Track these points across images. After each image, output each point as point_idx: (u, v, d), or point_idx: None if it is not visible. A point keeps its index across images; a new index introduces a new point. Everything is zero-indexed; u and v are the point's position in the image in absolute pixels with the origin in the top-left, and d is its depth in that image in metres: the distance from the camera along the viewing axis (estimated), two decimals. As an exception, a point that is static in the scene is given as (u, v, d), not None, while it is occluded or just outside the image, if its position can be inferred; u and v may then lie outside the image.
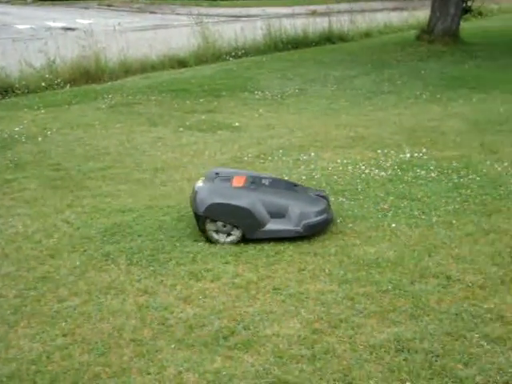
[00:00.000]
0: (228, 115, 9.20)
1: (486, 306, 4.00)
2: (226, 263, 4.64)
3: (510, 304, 4.02)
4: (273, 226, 4.97)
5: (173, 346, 3.68)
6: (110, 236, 5.12)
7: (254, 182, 5.22)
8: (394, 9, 25.72)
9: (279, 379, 3.37)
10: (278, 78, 11.96)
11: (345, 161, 6.91)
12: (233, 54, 15.00)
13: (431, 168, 6.58)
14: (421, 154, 7.04)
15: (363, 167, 6.66)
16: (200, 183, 5.18)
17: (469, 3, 17.03)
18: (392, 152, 7.17)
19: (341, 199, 5.82)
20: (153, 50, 13.90)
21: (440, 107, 9.51)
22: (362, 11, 22.19)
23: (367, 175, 6.43)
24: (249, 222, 4.92)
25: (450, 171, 6.47)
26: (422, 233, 5.10)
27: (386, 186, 6.15)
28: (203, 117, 9.06)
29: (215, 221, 4.95)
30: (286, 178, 6.11)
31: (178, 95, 10.51)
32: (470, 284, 4.28)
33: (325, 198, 5.37)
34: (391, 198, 5.84)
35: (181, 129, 8.39)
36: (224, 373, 3.43)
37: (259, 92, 10.76)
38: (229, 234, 4.98)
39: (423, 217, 5.41)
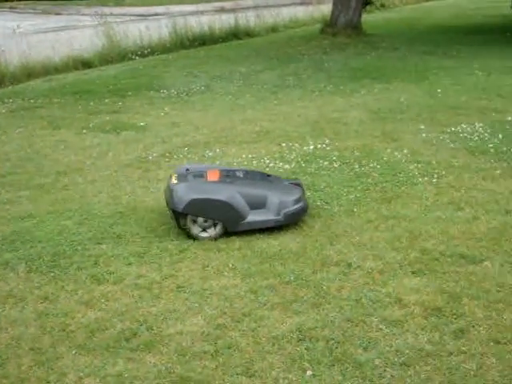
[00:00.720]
0: (133, 115, 9.09)
1: (384, 291, 4.10)
2: (129, 264, 4.58)
3: (408, 287, 4.14)
4: (254, 217, 4.99)
5: (74, 351, 3.60)
6: (8, 244, 4.97)
7: (229, 176, 5.25)
8: (301, 3, 25.99)
9: (182, 377, 3.35)
10: (184, 76, 11.90)
11: (250, 155, 6.94)
12: (139, 53, 14.81)
13: (334, 159, 6.69)
14: (324, 146, 7.16)
15: (268, 161, 6.71)
16: (174, 181, 5.09)
17: (369, -4, 17.42)
18: (296, 145, 7.25)
19: (245, 194, 5.84)
20: (56, 51, 13.57)
21: (343, 98, 9.68)
22: (269, 6, 22.36)
23: (271, 169, 6.48)
24: (230, 216, 4.91)
25: (352, 161, 6.60)
26: (324, 222, 5.19)
27: (290, 178, 6.20)
28: (107, 118, 8.92)
29: (196, 217, 4.90)
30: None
31: (82, 97, 10.31)
32: (370, 270, 4.37)
33: (299, 185, 5.44)
34: (295, 190, 5.90)
35: (84, 131, 8.24)
36: (126, 375, 3.39)
37: (165, 90, 10.67)
38: (211, 228, 4.96)
39: (326, 207, 5.50)
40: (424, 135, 7.42)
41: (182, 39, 16.04)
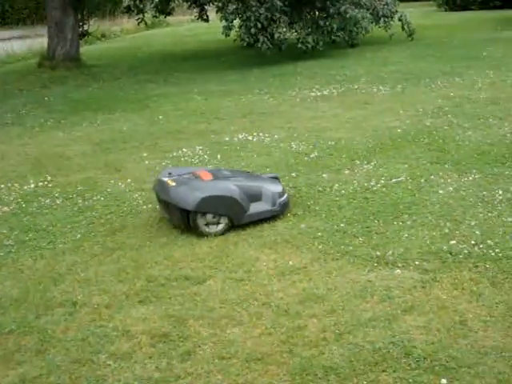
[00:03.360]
0: None
1: (111, 325, 4.03)
2: None
3: (135, 317, 4.11)
4: (255, 209, 5.32)
5: None
6: None
7: (218, 174, 5.54)
8: (19, 37, 25.18)
9: None
10: None
11: (-38, 202, 6.51)
12: None
13: (56, 195, 6.50)
14: (46, 183, 6.93)
15: (-16, 206, 6.35)
16: (172, 183, 5.33)
17: (85, 27, 17.29)
18: (16, 185, 6.94)
19: (-40, 243, 5.47)
20: None
21: (65, 133, 9.47)
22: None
23: (-11, 213, 6.13)
24: (236, 209, 5.23)
25: (74, 196, 6.46)
26: (47, 263, 4.99)
27: (10, 220, 5.93)
28: None
29: (204, 215, 5.15)
30: None
31: None
32: (96, 305, 4.28)
33: (277, 178, 5.81)
34: (15, 232, 5.64)
35: None
36: None
37: None
38: (217, 224, 5.25)
39: (49, 246, 5.31)
40: (147, 162, 7.50)
41: None
